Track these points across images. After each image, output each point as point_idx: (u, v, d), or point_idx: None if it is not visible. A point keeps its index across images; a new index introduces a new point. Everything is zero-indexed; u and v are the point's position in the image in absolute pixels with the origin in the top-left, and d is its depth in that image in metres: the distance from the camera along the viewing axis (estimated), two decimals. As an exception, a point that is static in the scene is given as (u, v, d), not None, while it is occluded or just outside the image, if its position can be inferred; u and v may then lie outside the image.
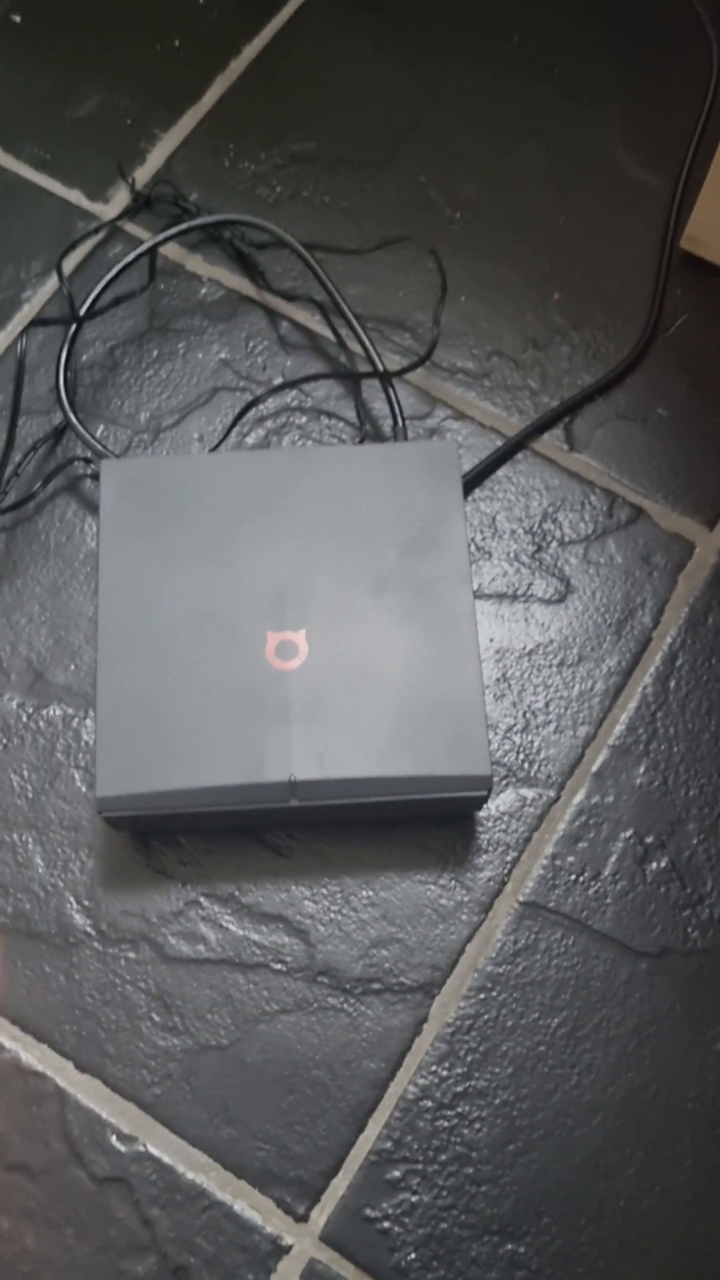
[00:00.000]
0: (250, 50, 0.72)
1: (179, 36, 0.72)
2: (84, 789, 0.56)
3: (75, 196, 0.68)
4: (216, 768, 0.51)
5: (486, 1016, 0.53)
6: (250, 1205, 0.50)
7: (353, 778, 0.51)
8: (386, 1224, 0.50)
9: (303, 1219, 0.50)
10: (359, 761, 0.51)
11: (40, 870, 0.55)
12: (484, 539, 0.60)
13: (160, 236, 0.62)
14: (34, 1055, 0.52)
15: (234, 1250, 0.49)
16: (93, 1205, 0.50)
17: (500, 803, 0.56)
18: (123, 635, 0.53)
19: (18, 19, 0.72)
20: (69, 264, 0.66)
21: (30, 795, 0.56)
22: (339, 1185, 0.50)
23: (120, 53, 0.71)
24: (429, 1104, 0.51)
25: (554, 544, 0.60)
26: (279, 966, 0.53)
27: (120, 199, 0.68)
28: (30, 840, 0.55)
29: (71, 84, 0.71)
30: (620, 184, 0.68)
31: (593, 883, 0.54)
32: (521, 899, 0.54)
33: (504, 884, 0.54)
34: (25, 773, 0.56)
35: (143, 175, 0.68)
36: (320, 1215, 0.50)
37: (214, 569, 0.54)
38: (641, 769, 0.56)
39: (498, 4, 0.73)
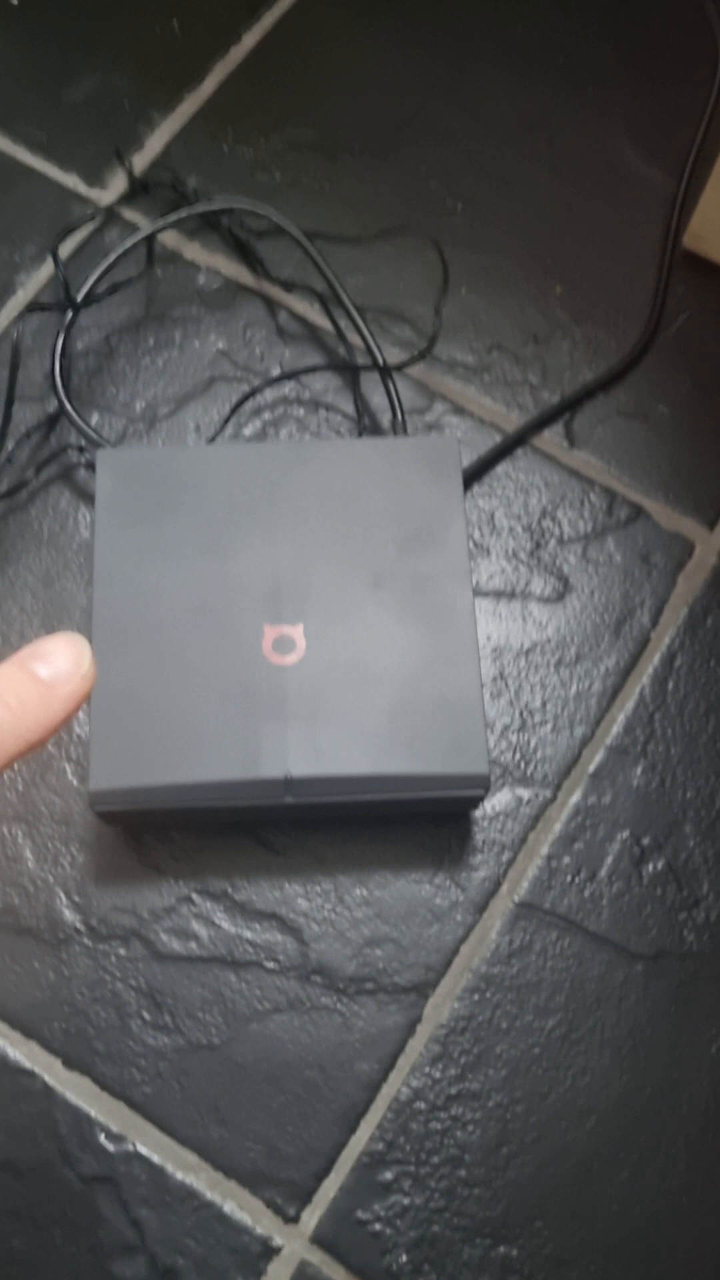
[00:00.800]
0: (251, 37, 0.71)
1: (179, 20, 0.71)
2: (75, 782, 0.55)
3: (72, 181, 0.67)
4: (211, 763, 0.50)
5: (480, 1018, 0.52)
6: (240, 1206, 0.50)
7: (349, 775, 0.50)
8: (378, 1226, 0.49)
9: (293, 1220, 0.49)
10: (356, 759, 0.50)
11: (30, 864, 0.54)
12: (482, 536, 0.60)
13: (160, 223, 0.61)
14: (21, 1052, 0.51)
15: (224, 1251, 0.49)
16: (80, 1205, 0.49)
17: (496, 802, 0.55)
18: (117, 627, 0.52)
19: (15, 1, 0.71)
20: (65, 249, 0.65)
21: (20, 788, 0.55)
22: (330, 1187, 0.50)
23: (118, 35, 0.70)
24: (422, 1106, 0.51)
25: (553, 542, 0.59)
26: (271, 965, 0.53)
27: (117, 184, 0.67)
28: (20, 834, 0.54)
29: (68, 66, 0.69)
30: (623, 179, 0.67)
31: (589, 884, 0.54)
32: (517, 899, 0.54)
33: (499, 884, 0.54)
34: (16, 765, 0.55)
35: (140, 160, 0.67)
36: (311, 1217, 0.49)
37: (210, 561, 0.53)
38: (639, 770, 0.56)
39: (501, -6, 0.72)
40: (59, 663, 0.26)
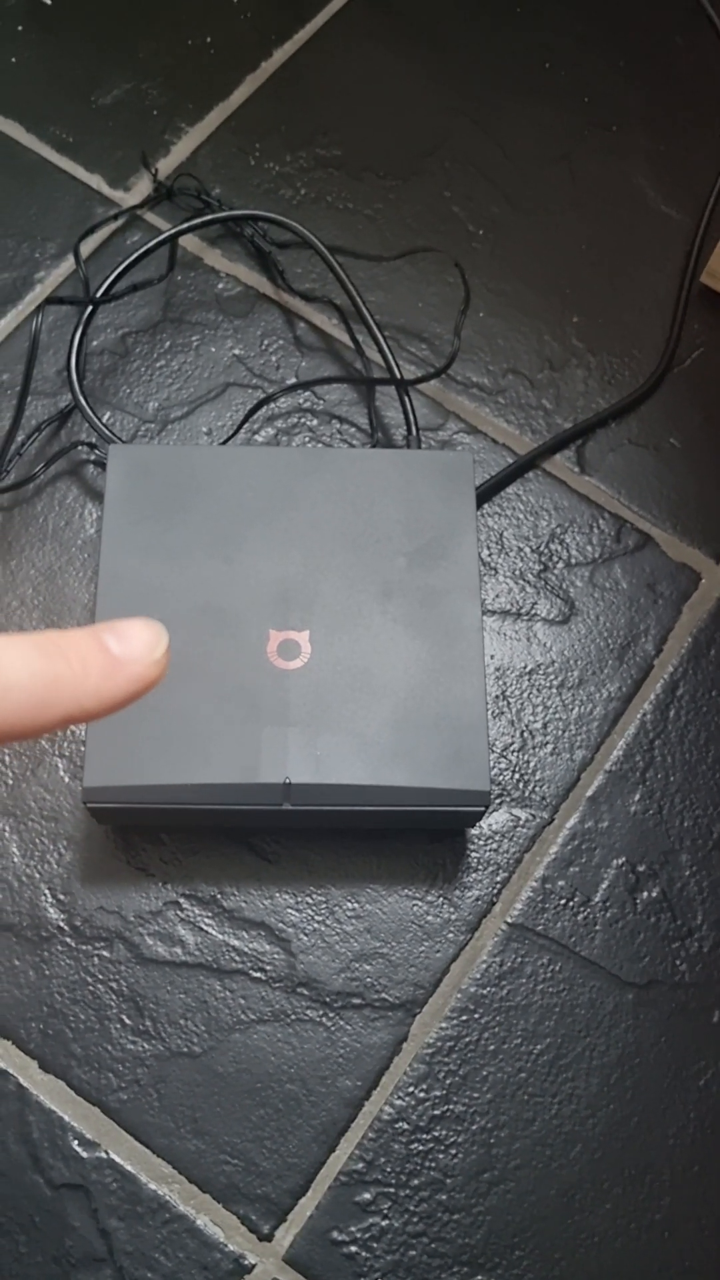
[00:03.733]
0: (281, 53, 0.71)
1: (211, 33, 0.71)
2: (67, 779, 0.54)
3: (96, 182, 0.67)
4: (210, 764, 0.49)
5: (468, 1039, 0.51)
6: (213, 1221, 0.48)
7: (349, 784, 0.49)
8: (354, 1248, 0.48)
9: (267, 1238, 0.48)
10: (356, 768, 0.50)
11: (16, 860, 0.53)
12: (490, 555, 0.59)
13: (184, 225, 0.61)
14: (-3, 1052, 0.50)
15: (194, 1267, 0.47)
16: (49, 1212, 0.48)
17: (493, 822, 0.55)
18: (121, 623, 0.52)
19: (49, 2, 0.72)
20: (85, 248, 0.65)
21: (10, 782, 0.54)
22: (307, 1205, 0.49)
23: (151, 44, 0.71)
24: (404, 1126, 0.50)
25: (560, 565, 0.59)
26: (258, 975, 0.52)
27: (141, 188, 0.67)
28: (7, 828, 0.53)
29: (99, 71, 0.70)
30: (643, 215, 0.68)
31: (582, 908, 0.53)
32: (509, 920, 0.53)
33: (492, 904, 0.53)
34: (7, 759, 0.54)
35: (165, 167, 0.68)
36: (285, 1235, 0.48)
37: (219, 562, 0.53)
38: (637, 796, 0.55)
39: (531, 31, 0.73)
40: (133, 642, 0.25)
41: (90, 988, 0.51)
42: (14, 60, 0.70)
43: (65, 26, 0.71)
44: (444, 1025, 0.51)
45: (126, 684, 0.25)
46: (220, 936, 0.52)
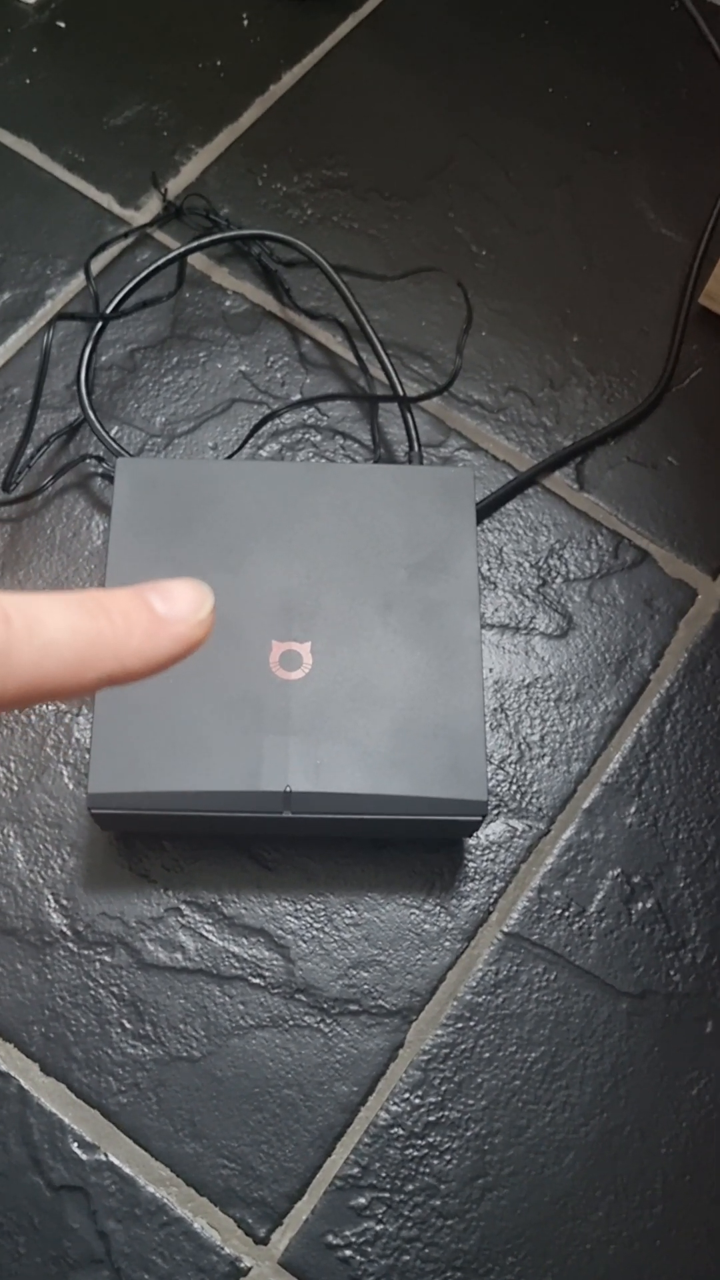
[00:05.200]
0: (290, 77, 0.73)
1: (221, 56, 0.73)
2: (71, 786, 0.55)
3: (106, 201, 0.68)
4: (212, 772, 0.50)
5: (463, 1046, 0.52)
6: (210, 1224, 0.49)
7: (348, 793, 0.50)
8: (348, 1252, 0.49)
9: (263, 1241, 0.49)
10: (356, 777, 0.50)
11: (20, 865, 0.54)
12: (490, 569, 0.60)
13: (193, 243, 0.62)
14: (-1, 1054, 0.51)
15: (190, 1269, 0.48)
16: (48, 1213, 0.49)
17: (490, 832, 0.55)
18: (126, 633, 0.53)
19: (62, 25, 0.73)
20: (96, 265, 0.66)
21: (15, 788, 0.55)
22: (302, 1209, 0.49)
23: (162, 66, 0.72)
24: (399, 1132, 0.50)
25: (559, 580, 0.60)
26: (257, 981, 0.52)
27: (151, 207, 0.68)
28: (12, 834, 0.54)
29: (111, 92, 0.71)
30: (643, 237, 0.69)
31: (578, 919, 0.54)
32: (505, 930, 0.54)
33: (489, 914, 0.54)
34: (12, 765, 0.55)
35: (175, 186, 0.69)
36: (281, 1239, 0.49)
37: (223, 574, 0.54)
38: (632, 809, 0.56)
39: (534, 57, 0.74)
40: (177, 602, 0.24)
41: (91, 992, 0.52)
42: (28, 81, 0.71)
43: (79, 49, 0.73)
44: (439, 1032, 0.52)
45: (170, 644, 0.24)
46: (220, 943, 0.53)
